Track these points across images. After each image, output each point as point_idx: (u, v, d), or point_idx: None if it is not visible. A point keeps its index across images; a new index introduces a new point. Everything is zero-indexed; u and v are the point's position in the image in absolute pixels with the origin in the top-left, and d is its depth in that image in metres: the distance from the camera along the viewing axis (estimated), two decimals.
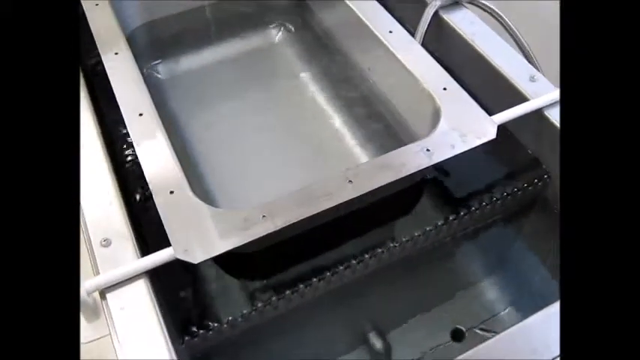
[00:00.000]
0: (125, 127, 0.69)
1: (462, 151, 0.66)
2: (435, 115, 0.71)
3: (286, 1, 1.06)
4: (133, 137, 0.67)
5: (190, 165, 0.82)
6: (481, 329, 0.95)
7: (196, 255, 0.57)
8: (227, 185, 0.81)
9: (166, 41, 1.01)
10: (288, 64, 1.01)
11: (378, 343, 0.85)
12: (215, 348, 0.64)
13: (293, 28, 1.06)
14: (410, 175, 0.64)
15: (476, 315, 0.91)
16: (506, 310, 0.90)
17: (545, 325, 0.55)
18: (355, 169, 0.65)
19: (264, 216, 0.60)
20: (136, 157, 0.66)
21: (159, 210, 0.60)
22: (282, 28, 1.06)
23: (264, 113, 0.93)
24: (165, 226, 0.59)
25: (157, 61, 1.00)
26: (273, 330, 0.70)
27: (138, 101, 0.71)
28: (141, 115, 0.70)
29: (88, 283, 0.55)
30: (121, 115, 0.70)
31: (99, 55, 0.78)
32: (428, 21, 0.85)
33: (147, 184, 0.63)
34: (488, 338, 0.55)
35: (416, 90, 0.76)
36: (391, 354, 0.83)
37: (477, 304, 0.92)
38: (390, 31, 0.81)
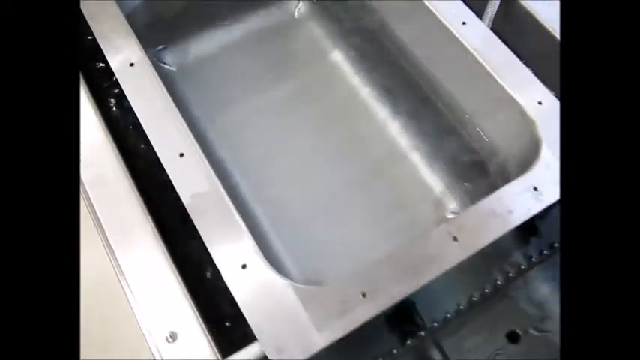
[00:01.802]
0: (164, 173, 0.55)
1: None
2: (531, 137, 0.61)
3: None
4: (180, 191, 0.54)
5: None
6: (535, 329, 0.91)
7: (294, 354, 0.47)
8: (288, 234, 0.70)
9: (170, 22, 0.83)
10: (313, 44, 0.87)
11: (437, 356, 0.80)
12: None
13: None
14: None
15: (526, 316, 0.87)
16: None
17: None
18: (456, 220, 0.55)
19: (363, 294, 0.50)
20: (186, 216, 0.53)
21: (232, 292, 0.49)
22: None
23: (301, 118, 0.80)
24: (245, 315, 0.48)
25: (161, 47, 0.83)
26: None
27: (174, 137, 0.57)
28: (182, 155, 0.56)
29: None
30: (156, 156, 0.56)
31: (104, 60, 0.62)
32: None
33: (210, 257, 0.51)
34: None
35: (499, 99, 0.64)
36: None
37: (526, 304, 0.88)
38: (464, 23, 0.67)
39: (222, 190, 0.54)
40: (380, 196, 0.75)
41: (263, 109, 0.80)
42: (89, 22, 0.64)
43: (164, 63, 0.82)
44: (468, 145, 0.73)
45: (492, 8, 0.71)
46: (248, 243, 0.52)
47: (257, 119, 0.79)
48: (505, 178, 0.69)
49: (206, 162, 0.56)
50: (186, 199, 0.53)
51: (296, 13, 0.89)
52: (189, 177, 0.55)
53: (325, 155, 0.77)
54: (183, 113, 0.74)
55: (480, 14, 0.70)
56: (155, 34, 0.82)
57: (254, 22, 0.87)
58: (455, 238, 0.53)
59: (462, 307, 0.60)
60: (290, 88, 0.82)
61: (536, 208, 0.55)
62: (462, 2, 0.68)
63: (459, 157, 0.75)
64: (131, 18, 0.77)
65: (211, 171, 0.55)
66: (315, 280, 0.60)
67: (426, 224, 0.73)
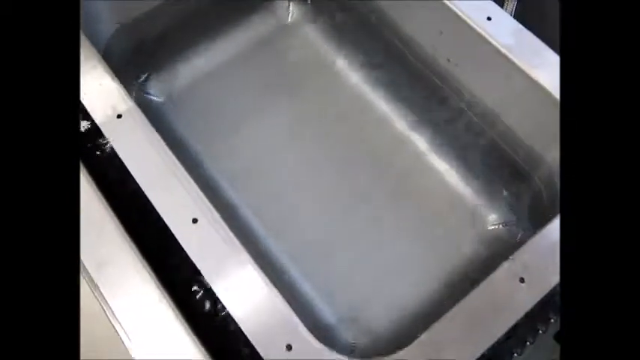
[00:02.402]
0: (176, 241, 0.48)
1: None
2: None
3: None
4: (200, 266, 0.46)
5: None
6: None
7: None
8: (320, 277, 0.63)
9: (151, 46, 0.74)
10: (314, 51, 0.78)
11: None
12: None
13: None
14: None
15: None
16: None
17: None
18: (519, 256, 0.48)
19: None
20: (211, 295, 0.46)
21: None
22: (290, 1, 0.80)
23: (311, 142, 0.72)
24: None
25: (144, 76, 0.74)
26: None
27: (184, 201, 0.49)
28: (195, 221, 0.48)
29: None
30: (165, 226, 0.48)
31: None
32: None
33: (246, 337, 0.44)
34: None
35: (539, 98, 0.57)
36: None
37: None
38: (489, 18, 0.59)
39: (246, 255, 0.47)
40: (410, 214, 0.68)
41: (267, 135, 0.72)
42: None
43: (150, 94, 0.74)
44: (503, 148, 0.66)
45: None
46: (287, 313, 0.44)
47: (263, 149, 0.71)
48: (550, 186, 0.62)
49: (227, 228, 0.48)
50: (203, 267, 0.46)
51: (289, 19, 0.80)
52: (209, 248, 0.47)
53: (348, 182, 0.70)
54: (178, 151, 0.67)
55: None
56: (137, 62, 0.73)
57: (244, 34, 0.79)
58: (522, 280, 0.46)
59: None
60: (292, 107, 0.74)
61: None
62: None
63: (493, 163, 0.68)
64: (108, 51, 0.68)
65: (232, 235, 0.48)
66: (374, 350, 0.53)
67: (466, 241, 0.67)
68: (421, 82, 0.71)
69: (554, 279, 0.46)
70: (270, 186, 0.68)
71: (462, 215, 0.68)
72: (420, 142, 0.71)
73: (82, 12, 0.59)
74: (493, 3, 0.59)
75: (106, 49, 0.68)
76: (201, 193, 0.49)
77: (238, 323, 0.44)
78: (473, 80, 0.65)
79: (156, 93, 0.74)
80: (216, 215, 0.48)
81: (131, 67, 0.73)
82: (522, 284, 0.46)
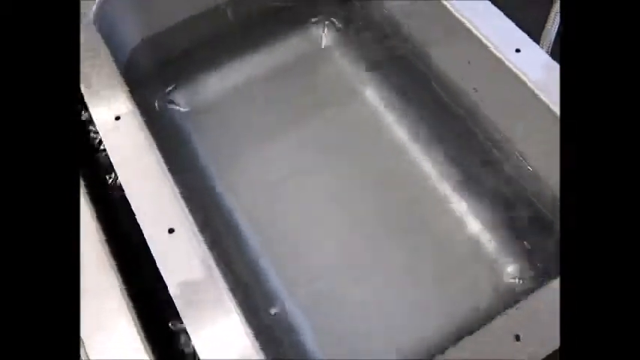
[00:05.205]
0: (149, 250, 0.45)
1: None
2: None
3: None
4: (166, 276, 0.44)
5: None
6: None
7: None
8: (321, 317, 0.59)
9: (179, 59, 0.74)
10: (342, 78, 0.76)
11: None
12: None
13: (340, 23, 0.79)
14: None
15: None
16: None
17: None
18: (517, 311, 0.42)
19: None
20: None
21: None
22: (326, 25, 0.79)
23: (330, 176, 0.68)
24: None
25: (170, 87, 0.74)
26: None
27: (163, 208, 0.47)
28: (171, 231, 0.46)
29: None
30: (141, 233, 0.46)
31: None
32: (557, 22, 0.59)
33: None
34: None
35: None
36: None
37: None
38: (518, 50, 0.55)
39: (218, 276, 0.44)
40: (423, 257, 0.63)
41: (284, 160, 0.69)
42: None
43: (174, 104, 0.73)
44: (528, 197, 0.60)
45: (552, 29, 0.59)
46: None
47: (276, 174, 0.68)
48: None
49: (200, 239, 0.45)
50: (172, 287, 0.43)
51: (322, 44, 0.78)
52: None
53: (363, 218, 0.65)
54: (189, 165, 0.66)
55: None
56: (164, 73, 0.73)
57: (274, 54, 0.78)
58: (517, 338, 0.40)
59: None
60: (315, 134, 0.71)
61: None
62: (514, 24, 0.56)
63: (516, 210, 0.62)
64: (133, 60, 0.69)
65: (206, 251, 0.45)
66: None
67: (485, 293, 0.60)
68: (447, 115, 0.66)
69: (554, 342, 0.40)
70: (281, 217, 0.65)
71: (479, 263, 0.62)
72: (437, 178, 0.67)
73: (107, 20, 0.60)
74: (523, 34, 0.55)
75: (129, 61, 0.69)
76: (182, 203, 0.47)
77: None
78: (499, 117, 0.61)
79: (181, 103, 0.74)
80: (194, 227, 0.46)
81: (158, 77, 0.73)
82: (517, 343, 0.40)
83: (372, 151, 0.69)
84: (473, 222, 0.64)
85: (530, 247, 0.61)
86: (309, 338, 0.58)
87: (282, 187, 0.67)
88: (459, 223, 0.64)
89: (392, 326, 0.59)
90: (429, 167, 0.68)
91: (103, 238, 0.46)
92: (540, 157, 0.58)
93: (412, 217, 0.65)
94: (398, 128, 0.70)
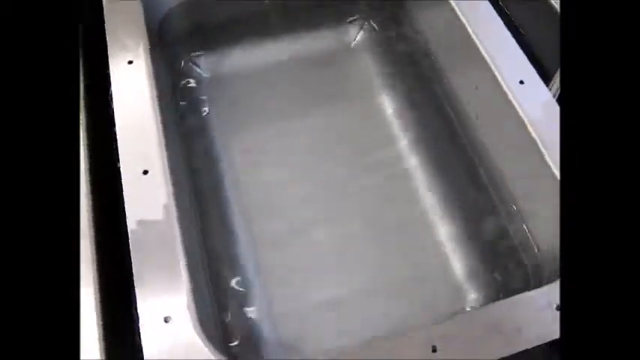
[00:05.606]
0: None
1: None
2: None
3: None
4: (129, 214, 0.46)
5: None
6: None
7: None
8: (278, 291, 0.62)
9: (211, 28, 0.77)
10: (362, 78, 0.77)
11: None
12: None
13: (377, 27, 0.80)
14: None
15: None
16: None
17: None
18: (443, 326, 0.42)
19: None
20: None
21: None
22: (363, 26, 0.80)
23: (325, 160, 0.70)
24: None
25: (198, 52, 0.77)
26: None
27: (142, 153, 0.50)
28: (145, 172, 0.49)
29: None
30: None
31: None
32: None
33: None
34: None
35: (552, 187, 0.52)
36: None
37: None
38: (522, 82, 0.55)
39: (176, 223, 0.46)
40: (396, 264, 0.64)
41: (285, 138, 0.72)
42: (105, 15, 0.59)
43: (197, 66, 0.77)
44: (506, 229, 0.60)
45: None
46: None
47: (275, 149, 0.71)
48: (539, 279, 0.55)
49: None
50: (132, 224, 0.46)
51: (353, 43, 0.80)
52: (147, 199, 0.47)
53: (347, 210, 0.68)
54: (198, 129, 0.69)
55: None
56: (194, 38, 0.77)
57: (304, 44, 0.80)
58: (434, 350, 0.41)
59: None
60: (321, 123, 0.73)
61: (552, 333, 0.42)
62: (524, 55, 0.56)
63: (494, 241, 0.62)
64: (168, 18, 0.72)
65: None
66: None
67: (439, 311, 0.61)
68: (449, 137, 0.67)
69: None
70: (263, 178, 0.68)
71: (445, 285, 0.63)
72: (429, 198, 0.68)
73: None
74: (529, 65, 0.55)
75: (166, 15, 0.72)
76: (164, 149, 0.50)
77: None
78: (497, 152, 0.61)
79: (203, 68, 0.77)
80: (167, 170, 0.49)
81: (188, 40, 0.76)
82: (433, 354, 0.41)
83: (364, 147, 0.71)
84: (451, 245, 0.65)
85: (500, 280, 0.61)
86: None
87: (279, 167, 0.70)
88: (439, 245, 0.65)
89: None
90: (420, 173, 0.69)
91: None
92: (527, 194, 0.57)
93: (393, 219, 0.67)
94: (399, 131, 0.72)
